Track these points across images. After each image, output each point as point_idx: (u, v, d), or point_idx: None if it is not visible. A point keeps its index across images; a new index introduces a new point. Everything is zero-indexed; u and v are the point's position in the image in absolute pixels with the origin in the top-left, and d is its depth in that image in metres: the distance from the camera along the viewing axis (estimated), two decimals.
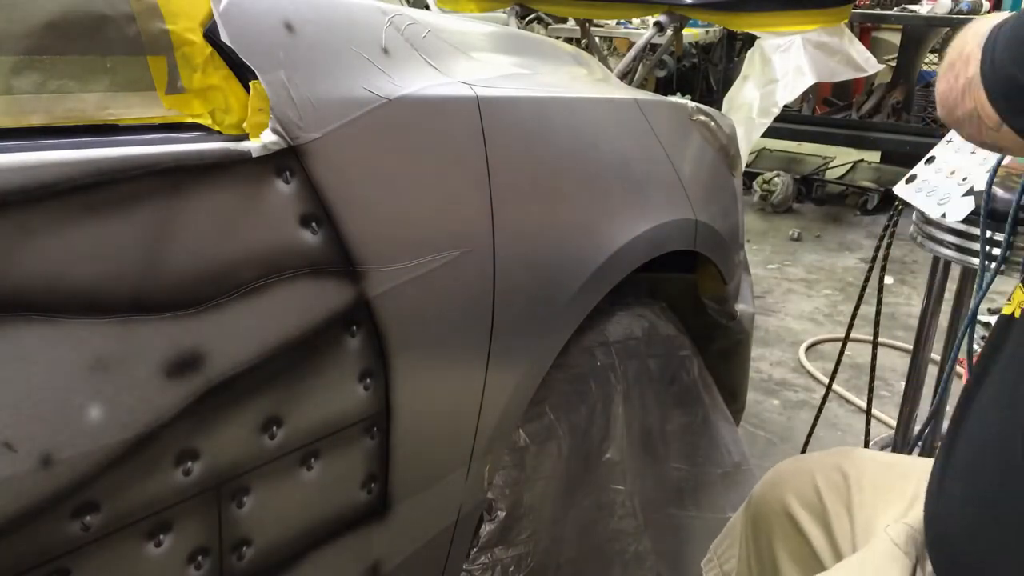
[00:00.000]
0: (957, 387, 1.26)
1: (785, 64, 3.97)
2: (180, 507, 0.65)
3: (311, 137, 0.72)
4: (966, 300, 1.75)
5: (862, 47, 4.44)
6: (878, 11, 4.58)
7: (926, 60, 4.96)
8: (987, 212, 1.40)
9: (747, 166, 4.68)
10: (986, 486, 0.82)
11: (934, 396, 1.78)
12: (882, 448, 2.05)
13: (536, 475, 1.13)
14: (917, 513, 0.93)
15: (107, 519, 0.60)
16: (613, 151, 1.19)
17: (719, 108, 4.19)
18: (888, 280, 3.20)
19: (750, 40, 4.72)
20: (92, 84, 0.62)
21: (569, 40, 3.76)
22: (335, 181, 0.74)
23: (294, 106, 0.71)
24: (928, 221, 1.54)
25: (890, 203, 2.88)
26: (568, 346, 1.10)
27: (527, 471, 1.12)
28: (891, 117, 4.86)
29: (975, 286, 1.45)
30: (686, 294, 1.54)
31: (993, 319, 3.00)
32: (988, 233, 1.41)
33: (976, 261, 1.45)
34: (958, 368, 2.62)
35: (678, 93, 5.25)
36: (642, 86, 2.56)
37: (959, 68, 0.77)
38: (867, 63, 3.88)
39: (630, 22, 4.63)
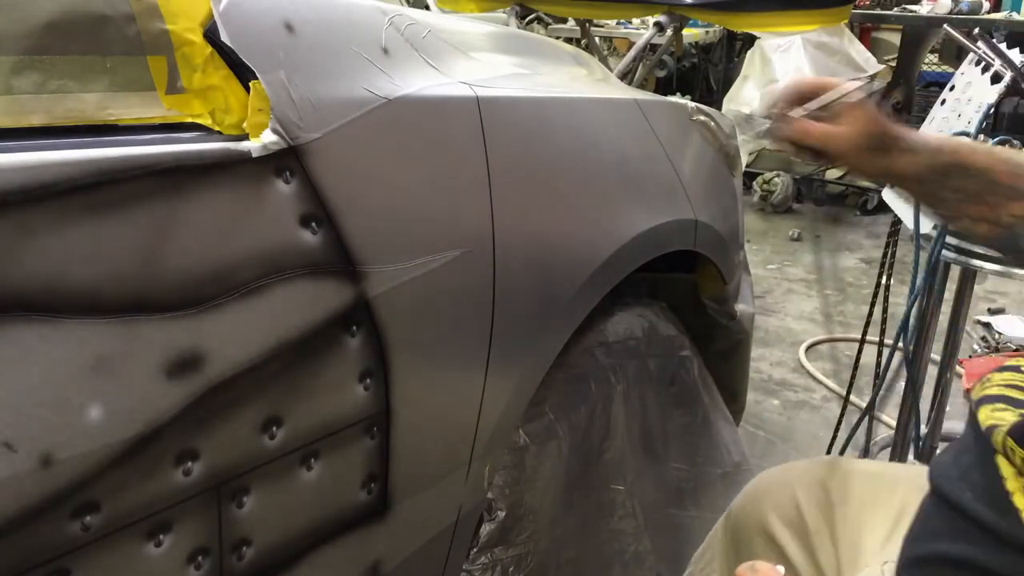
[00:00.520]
0: (957, 387, 1.26)
1: (785, 64, 3.97)
2: (180, 507, 0.64)
3: (311, 137, 0.72)
4: (966, 300, 1.75)
5: (862, 47, 4.45)
6: (878, 11, 4.59)
7: (926, 60, 4.95)
8: None
9: (747, 166, 4.67)
10: None
11: (934, 396, 1.78)
12: (882, 448, 2.05)
13: (536, 475, 1.13)
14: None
15: (107, 519, 0.60)
16: (613, 151, 1.19)
17: (719, 108, 4.20)
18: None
19: (750, 40, 4.74)
20: (92, 84, 0.62)
21: (569, 40, 3.76)
22: (335, 181, 0.74)
23: (294, 106, 0.71)
24: None
25: None
26: (568, 346, 1.10)
27: (527, 471, 1.12)
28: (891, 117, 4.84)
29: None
30: (686, 294, 1.54)
31: (993, 319, 3.01)
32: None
33: (976, 262, 1.45)
34: (958, 368, 2.63)
35: (678, 93, 5.25)
36: (642, 86, 2.56)
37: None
38: (867, 63, 3.89)
39: (630, 22, 4.63)
